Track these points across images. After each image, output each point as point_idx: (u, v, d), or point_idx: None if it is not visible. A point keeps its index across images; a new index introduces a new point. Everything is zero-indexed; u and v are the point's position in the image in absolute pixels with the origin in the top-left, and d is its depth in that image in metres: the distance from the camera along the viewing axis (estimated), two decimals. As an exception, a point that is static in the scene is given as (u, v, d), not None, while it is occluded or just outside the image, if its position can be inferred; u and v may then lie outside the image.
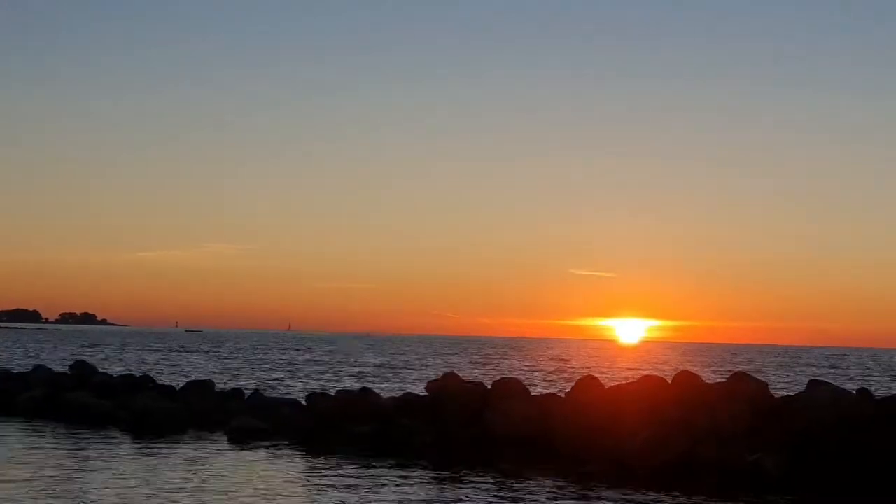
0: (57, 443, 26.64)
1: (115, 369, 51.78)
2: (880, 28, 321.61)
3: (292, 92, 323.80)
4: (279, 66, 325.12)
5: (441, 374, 31.19)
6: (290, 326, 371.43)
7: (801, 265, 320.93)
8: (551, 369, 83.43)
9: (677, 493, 20.63)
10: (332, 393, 31.80)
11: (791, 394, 26.48)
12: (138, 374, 37.05)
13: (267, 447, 26.68)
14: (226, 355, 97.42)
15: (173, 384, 36.77)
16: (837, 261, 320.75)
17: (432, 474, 22.58)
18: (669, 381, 25.96)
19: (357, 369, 74.61)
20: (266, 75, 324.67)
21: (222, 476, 21.52)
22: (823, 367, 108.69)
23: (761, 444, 23.05)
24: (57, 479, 20.54)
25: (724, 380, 26.32)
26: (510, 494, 20.15)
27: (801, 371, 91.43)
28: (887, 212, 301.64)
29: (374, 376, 64.24)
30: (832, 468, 22.15)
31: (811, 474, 22.16)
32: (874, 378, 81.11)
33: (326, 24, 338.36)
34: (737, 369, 28.32)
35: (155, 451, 25.41)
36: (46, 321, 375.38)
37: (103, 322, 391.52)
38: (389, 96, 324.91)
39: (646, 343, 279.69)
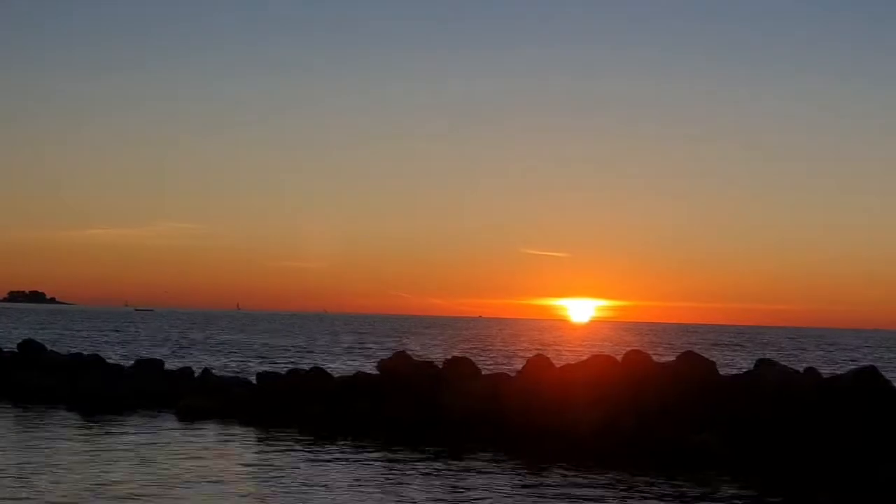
0: (3, 422, 26.38)
1: (64, 348, 51.31)
2: (851, 20, 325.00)
3: (245, 69, 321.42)
4: (231, 43, 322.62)
5: (392, 353, 31.19)
6: (238, 306, 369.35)
7: (753, 246, 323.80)
8: (496, 349, 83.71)
9: (626, 471, 20.76)
10: (282, 372, 31.70)
11: (739, 373, 26.72)
12: (87, 353, 36.71)
13: (216, 427, 26.58)
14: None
15: (122, 363, 36.51)
16: (792, 242, 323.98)
17: (383, 453, 22.59)
18: (619, 360, 26.10)
19: (308, 349, 74.47)
20: (218, 53, 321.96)
21: (170, 455, 21.41)
22: (774, 347, 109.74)
23: (708, 423, 23.26)
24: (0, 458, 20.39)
25: (672, 359, 26.50)
26: (461, 473, 20.19)
27: (751, 351, 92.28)
28: (847, 193, 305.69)
29: (326, 355, 64.14)
30: (778, 447, 22.39)
31: (757, 453, 22.40)
32: (824, 357, 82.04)
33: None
34: (686, 349, 28.50)
35: (103, 430, 25.25)
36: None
37: (52, 300, 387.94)
38: (343, 77, 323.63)
39: (596, 322, 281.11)
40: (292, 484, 18.57)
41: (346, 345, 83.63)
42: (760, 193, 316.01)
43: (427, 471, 20.40)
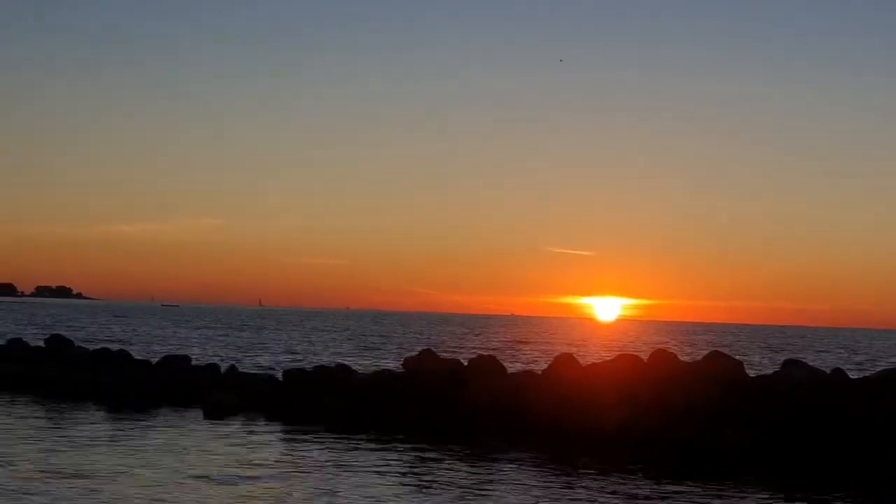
0: (32, 417, 26.55)
1: (91, 343, 51.57)
2: (869, 15, 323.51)
3: (266, 65, 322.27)
4: (250, 40, 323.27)
5: (418, 350, 31.21)
6: (260, 302, 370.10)
7: (779, 245, 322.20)
8: (525, 348, 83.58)
9: (651, 470, 20.73)
10: (308, 369, 31.79)
11: (766, 373, 26.63)
12: (114, 349, 36.88)
13: (243, 422, 26.66)
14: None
15: (150, 358, 36.68)
16: (822, 240, 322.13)
17: (408, 450, 22.61)
18: (645, 360, 26.05)
19: (333, 345, 74.55)
20: (238, 49, 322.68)
21: (198, 451, 21.49)
22: (801, 347, 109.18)
23: (735, 423, 23.19)
24: (29, 452, 20.50)
25: (699, 359, 26.43)
26: (486, 470, 20.19)
27: (778, 350, 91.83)
28: (866, 193, 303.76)
29: (351, 352, 64.17)
30: (805, 447, 22.29)
31: (784, 453, 22.31)
32: (849, 358, 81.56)
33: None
34: (712, 348, 28.41)
35: (130, 425, 25.36)
36: (22, 294, 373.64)
37: (79, 296, 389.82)
38: (362, 74, 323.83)
39: (623, 321, 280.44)
40: (318, 480, 18.61)
41: (370, 341, 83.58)
42: (789, 191, 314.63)
43: (452, 468, 20.40)
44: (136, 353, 40.99)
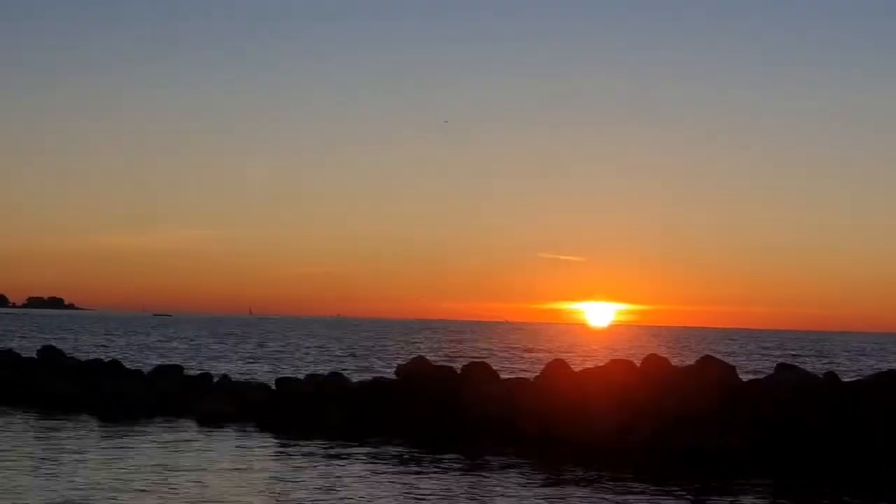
0: (25, 428, 26.49)
1: (83, 354, 51.49)
2: (852, 19, 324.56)
3: (256, 73, 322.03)
4: (241, 48, 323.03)
5: (411, 357, 31.21)
6: (250, 311, 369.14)
7: (772, 249, 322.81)
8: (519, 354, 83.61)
9: (646, 476, 20.72)
10: (301, 377, 31.76)
11: (759, 377, 26.67)
12: (106, 359, 36.81)
13: (236, 431, 26.63)
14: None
15: (142, 368, 36.60)
16: (810, 245, 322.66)
17: (401, 458, 22.60)
18: (638, 365, 26.06)
19: (327, 353, 74.51)
20: (228, 58, 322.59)
21: (191, 460, 21.46)
22: (794, 351, 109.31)
23: (728, 427, 23.22)
24: (24, 464, 20.46)
25: (692, 364, 26.44)
26: (479, 477, 20.19)
27: (770, 355, 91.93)
28: (866, 196, 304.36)
29: (344, 360, 64.14)
30: (798, 450, 22.33)
31: (777, 457, 22.35)
32: (843, 361, 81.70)
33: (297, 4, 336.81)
34: (705, 353, 28.44)
35: (123, 435, 25.32)
36: (14, 305, 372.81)
37: (71, 307, 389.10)
38: (358, 80, 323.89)
39: (615, 327, 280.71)
40: (311, 487, 18.61)
41: (363, 349, 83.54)
42: (783, 196, 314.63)
43: (446, 475, 20.39)
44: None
